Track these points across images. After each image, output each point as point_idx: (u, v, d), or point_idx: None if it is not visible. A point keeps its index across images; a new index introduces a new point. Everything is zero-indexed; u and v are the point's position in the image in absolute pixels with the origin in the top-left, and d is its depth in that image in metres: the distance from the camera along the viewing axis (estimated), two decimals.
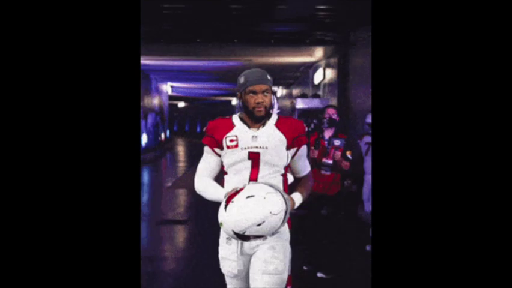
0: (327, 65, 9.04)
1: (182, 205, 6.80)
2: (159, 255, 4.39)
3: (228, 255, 1.83)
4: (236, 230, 1.63)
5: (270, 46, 8.25)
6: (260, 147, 1.83)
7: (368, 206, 4.56)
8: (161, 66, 11.84)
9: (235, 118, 1.92)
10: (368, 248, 4.44)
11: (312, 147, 3.55)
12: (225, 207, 1.66)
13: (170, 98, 20.64)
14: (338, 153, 3.49)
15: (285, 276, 1.84)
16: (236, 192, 1.68)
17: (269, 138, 1.84)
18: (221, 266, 1.89)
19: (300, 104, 7.92)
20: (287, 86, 15.81)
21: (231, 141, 1.85)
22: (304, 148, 1.93)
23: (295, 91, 13.69)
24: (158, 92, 16.41)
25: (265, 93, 1.84)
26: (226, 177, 1.91)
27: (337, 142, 3.51)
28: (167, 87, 17.70)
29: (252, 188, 1.68)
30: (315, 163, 3.47)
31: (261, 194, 1.64)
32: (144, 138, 14.23)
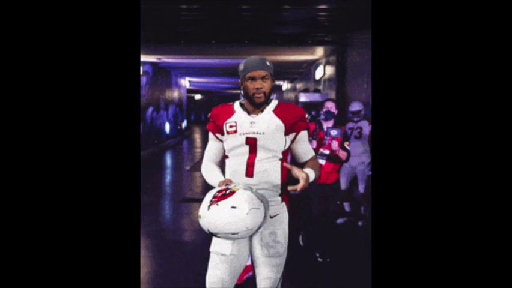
0: (327, 63, 8.97)
1: (200, 186, 6.90)
2: (180, 227, 4.54)
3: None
4: (211, 230, 1.50)
5: (276, 46, 8.19)
6: (257, 132, 1.67)
7: (343, 184, 4.45)
8: (181, 64, 11.79)
9: (236, 104, 1.77)
10: (360, 223, 4.44)
11: (310, 138, 3.20)
12: (208, 206, 1.50)
13: (188, 91, 20.59)
14: (335, 143, 3.21)
15: (285, 256, 1.75)
16: (224, 195, 1.50)
17: (266, 123, 1.68)
18: (212, 246, 1.73)
19: (303, 97, 7.92)
20: (292, 80, 15.73)
21: (231, 126, 1.70)
22: (304, 133, 1.75)
23: (299, 85, 13.64)
24: (178, 86, 16.42)
25: (265, 79, 1.67)
26: (227, 161, 1.76)
27: (334, 132, 3.23)
28: (185, 82, 17.61)
29: (240, 197, 1.49)
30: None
31: (245, 209, 1.47)
32: (167, 127, 14.29)
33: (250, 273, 2.87)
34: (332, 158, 3.25)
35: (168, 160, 11.13)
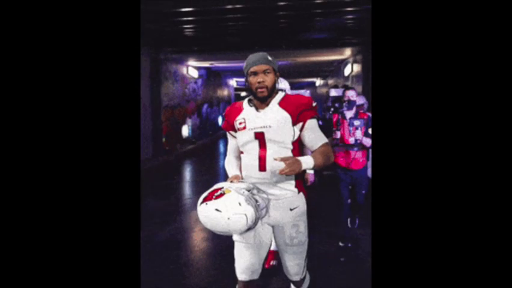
0: (354, 61, 8.93)
1: None
2: None
3: None
4: (201, 223, 1.42)
5: (310, 49, 8.29)
6: (264, 126, 1.50)
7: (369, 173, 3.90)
8: (229, 67, 12.12)
9: (245, 102, 1.60)
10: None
11: (335, 129, 2.99)
12: (201, 203, 1.39)
13: (236, 89, 20.87)
14: (359, 132, 2.92)
15: (307, 241, 1.62)
16: (215, 196, 1.36)
17: (272, 117, 1.50)
18: (234, 235, 1.57)
19: (333, 92, 7.88)
20: (324, 77, 15.61)
21: (240, 123, 1.55)
22: (311, 122, 1.53)
23: (330, 81, 13.55)
24: (227, 85, 16.79)
25: (266, 73, 1.50)
26: (242, 156, 1.60)
27: (357, 122, 2.94)
28: (233, 82, 17.98)
29: (226, 202, 1.34)
30: (337, 143, 3.00)
31: (227, 214, 1.32)
32: (219, 120, 14.62)
33: (275, 262, 2.68)
34: (357, 145, 2.99)
35: (221, 147, 11.47)
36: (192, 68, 10.78)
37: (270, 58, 1.52)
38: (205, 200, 1.37)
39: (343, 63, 10.52)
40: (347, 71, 9.72)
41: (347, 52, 8.94)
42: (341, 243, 3.16)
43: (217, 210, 1.33)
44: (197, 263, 3.00)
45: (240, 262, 1.58)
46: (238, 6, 4.94)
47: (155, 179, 6.58)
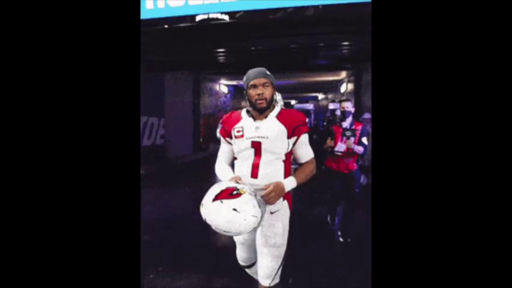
0: (349, 81, 9.11)
1: None
2: None
3: None
4: (207, 221, 1.18)
5: (313, 72, 8.51)
6: (261, 136, 1.33)
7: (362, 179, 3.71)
8: None
9: (243, 111, 1.42)
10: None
11: (329, 138, 2.69)
12: (213, 200, 1.16)
13: None
14: (351, 142, 2.58)
15: (284, 248, 1.38)
16: (231, 195, 1.16)
17: (270, 128, 1.33)
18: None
19: (331, 106, 8.05)
20: (325, 92, 15.75)
21: (238, 131, 1.37)
22: (304, 137, 1.37)
23: (330, 96, 13.72)
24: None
25: (265, 86, 1.34)
26: (236, 162, 1.43)
27: (349, 133, 2.59)
28: None
29: (244, 203, 1.15)
30: (331, 151, 2.70)
31: (245, 215, 1.14)
32: None
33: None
34: (348, 154, 2.64)
35: None
36: (223, 86, 11.23)
37: (268, 73, 1.37)
38: (219, 197, 1.16)
39: (340, 82, 10.70)
40: (343, 88, 9.93)
41: (343, 74, 9.18)
42: (329, 220, 2.99)
43: (234, 210, 1.13)
44: (225, 237, 2.85)
45: (238, 254, 1.57)
46: (259, 48, 5.40)
47: (194, 169, 6.94)
